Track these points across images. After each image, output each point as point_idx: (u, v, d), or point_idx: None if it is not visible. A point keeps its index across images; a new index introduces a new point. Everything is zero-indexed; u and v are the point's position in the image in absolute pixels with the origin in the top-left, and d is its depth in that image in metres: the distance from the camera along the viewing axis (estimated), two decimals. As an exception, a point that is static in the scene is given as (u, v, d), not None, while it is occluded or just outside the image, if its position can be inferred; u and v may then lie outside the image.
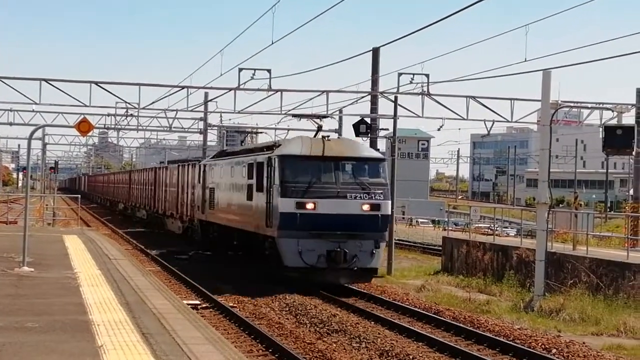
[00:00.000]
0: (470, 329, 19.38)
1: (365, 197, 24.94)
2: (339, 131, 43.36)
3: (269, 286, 25.28)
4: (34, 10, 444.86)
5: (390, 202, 25.97)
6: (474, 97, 39.96)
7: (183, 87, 42.23)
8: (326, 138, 26.29)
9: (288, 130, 53.41)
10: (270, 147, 26.97)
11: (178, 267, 30.39)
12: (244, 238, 29.52)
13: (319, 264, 24.56)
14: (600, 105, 39.21)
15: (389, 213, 25.97)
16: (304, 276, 24.65)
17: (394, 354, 16.20)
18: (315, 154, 25.22)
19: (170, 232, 47.50)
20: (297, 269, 24.62)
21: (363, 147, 27.12)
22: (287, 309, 22.02)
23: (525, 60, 34.61)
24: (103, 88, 39.57)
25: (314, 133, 27.50)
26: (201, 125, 55.64)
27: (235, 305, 22.13)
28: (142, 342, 11.93)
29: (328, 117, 31.92)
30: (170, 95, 45.34)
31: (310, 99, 42.86)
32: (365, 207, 24.91)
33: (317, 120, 28.72)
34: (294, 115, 33.53)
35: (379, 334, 18.25)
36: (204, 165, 36.77)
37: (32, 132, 25.30)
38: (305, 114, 31.40)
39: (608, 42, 79.96)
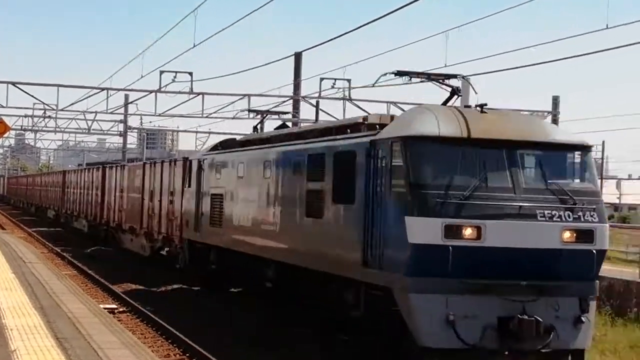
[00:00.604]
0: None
1: (568, 216, 13.54)
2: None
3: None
4: (36, 10, 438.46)
5: (607, 225, 14.15)
6: (394, 103, 40.46)
7: (103, 89, 41.87)
8: (480, 108, 14.26)
9: (209, 133, 53.18)
10: (356, 126, 16.09)
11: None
12: (293, 279, 18.28)
13: (484, 343, 12.99)
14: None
15: (606, 247, 14.18)
16: None
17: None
18: (473, 137, 13.58)
19: (130, 251, 36.41)
20: (445, 352, 12.94)
21: (549, 126, 15.76)
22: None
23: (445, 66, 35.20)
24: (20, 89, 38.96)
25: (445, 103, 15.40)
26: (121, 127, 55.12)
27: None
28: (56, 346, 11.77)
29: (460, 77, 16.84)
30: (89, 96, 44.95)
31: (232, 102, 42.98)
32: (567, 236, 13.51)
33: (448, 82, 15.90)
34: (401, 74, 17.03)
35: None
36: (199, 162, 24.83)
37: (-55, 133, 24.78)
38: (425, 72, 16.71)
39: (524, 50, 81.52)
